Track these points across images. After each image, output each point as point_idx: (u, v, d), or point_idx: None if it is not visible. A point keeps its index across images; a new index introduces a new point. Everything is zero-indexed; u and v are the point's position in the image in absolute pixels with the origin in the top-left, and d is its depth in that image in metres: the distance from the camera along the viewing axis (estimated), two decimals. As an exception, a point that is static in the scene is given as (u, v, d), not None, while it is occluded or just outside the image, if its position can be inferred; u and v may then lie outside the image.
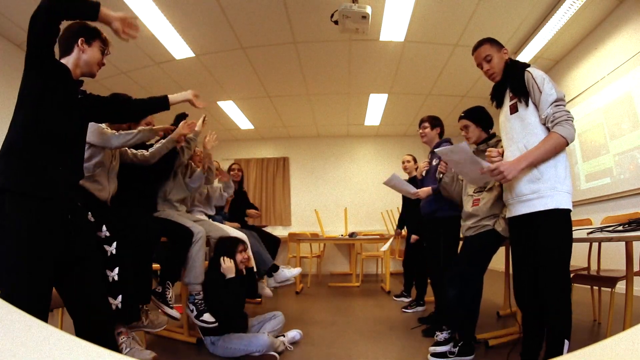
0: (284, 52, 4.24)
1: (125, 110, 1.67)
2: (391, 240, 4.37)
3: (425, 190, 2.77)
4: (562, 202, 1.53)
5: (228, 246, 2.31)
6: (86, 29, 1.45)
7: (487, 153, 1.76)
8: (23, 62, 1.29)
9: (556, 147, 1.52)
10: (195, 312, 2.16)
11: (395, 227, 4.66)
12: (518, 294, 1.75)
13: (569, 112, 1.54)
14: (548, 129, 1.56)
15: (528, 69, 1.65)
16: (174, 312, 2.12)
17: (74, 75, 1.42)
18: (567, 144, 1.52)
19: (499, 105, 1.80)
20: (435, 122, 2.86)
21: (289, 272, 2.86)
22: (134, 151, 2.16)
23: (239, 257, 2.29)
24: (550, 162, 1.56)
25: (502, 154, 1.73)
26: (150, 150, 2.21)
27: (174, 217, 2.34)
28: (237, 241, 2.36)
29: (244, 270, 2.39)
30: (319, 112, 6.19)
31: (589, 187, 4.02)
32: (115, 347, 1.49)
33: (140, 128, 1.97)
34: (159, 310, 2.11)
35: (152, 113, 1.80)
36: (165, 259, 2.27)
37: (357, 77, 4.90)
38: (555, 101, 1.53)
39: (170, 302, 2.12)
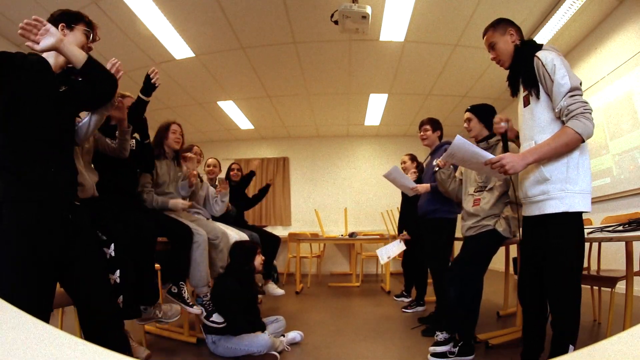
0: (284, 52, 4.24)
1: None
2: (397, 250, 3.71)
3: (424, 186, 2.77)
4: (574, 204, 1.42)
5: (248, 250, 2.41)
6: (66, 14, 1.41)
7: (494, 119, 1.69)
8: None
9: (568, 143, 1.36)
10: (204, 313, 2.19)
11: (396, 231, 4.33)
12: (520, 292, 1.73)
13: (586, 102, 1.35)
14: (564, 123, 1.39)
15: (538, 52, 1.47)
16: (196, 310, 2.16)
17: (57, 64, 1.36)
18: (583, 141, 1.36)
19: (514, 93, 1.65)
20: (436, 125, 2.92)
21: (272, 289, 3.00)
22: (108, 141, 1.99)
23: (258, 259, 2.41)
24: (562, 161, 1.43)
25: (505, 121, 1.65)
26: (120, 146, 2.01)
27: (173, 214, 2.34)
28: (255, 245, 2.49)
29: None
30: (319, 112, 6.18)
31: (589, 187, 4.01)
32: (118, 347, 1.48)
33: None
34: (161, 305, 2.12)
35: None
36: (165, 258, 2.27)
37: (357, 77, 4.89)
38: (569, 91, 1.36)
39: (188, 301, 2.16)
